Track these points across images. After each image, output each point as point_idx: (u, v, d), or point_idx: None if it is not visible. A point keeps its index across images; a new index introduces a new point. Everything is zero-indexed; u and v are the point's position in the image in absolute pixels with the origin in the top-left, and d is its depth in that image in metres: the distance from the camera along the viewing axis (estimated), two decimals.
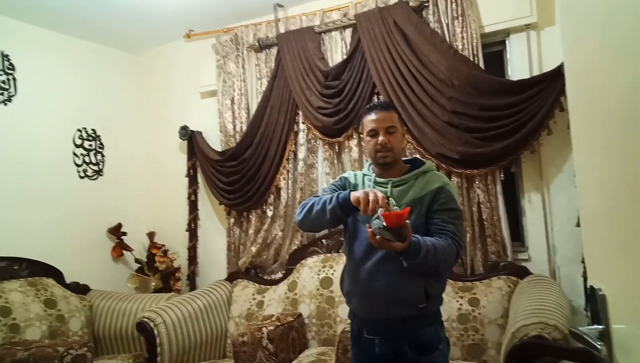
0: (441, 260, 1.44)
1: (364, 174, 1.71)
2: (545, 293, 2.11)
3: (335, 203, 1.49)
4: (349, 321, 1.79)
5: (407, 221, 1.32)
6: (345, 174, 1.77)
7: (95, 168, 3.52)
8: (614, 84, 0.67)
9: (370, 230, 1.36)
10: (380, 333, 1.58)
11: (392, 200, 1.41)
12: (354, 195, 1.41)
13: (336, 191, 1.62)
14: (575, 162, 0.80)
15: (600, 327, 0.74)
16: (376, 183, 1.63)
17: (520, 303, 2.12)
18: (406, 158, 1.74)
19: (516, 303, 2.20)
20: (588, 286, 0.77)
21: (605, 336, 0.73)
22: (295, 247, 3.11)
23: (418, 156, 2.67)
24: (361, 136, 1.79)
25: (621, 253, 0.70)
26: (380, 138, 1.58)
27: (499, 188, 2.54)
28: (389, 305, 1.53)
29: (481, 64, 2.56)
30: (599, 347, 0.70)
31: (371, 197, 1.34)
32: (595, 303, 0.75)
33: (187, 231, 3.52)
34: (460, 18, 2.58)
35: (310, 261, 2.97)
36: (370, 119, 1.62)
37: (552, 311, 1.88)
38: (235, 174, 3.21)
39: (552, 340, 1.68)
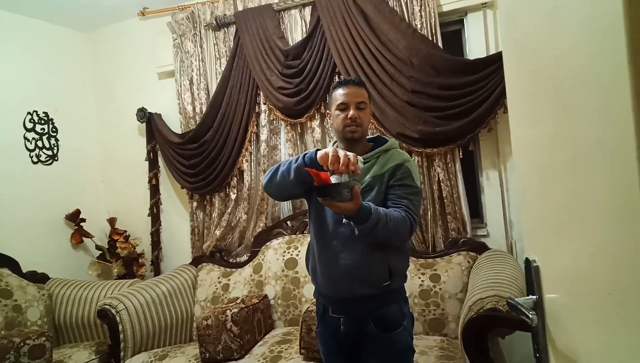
0: (393, 231, 1.40)
1: None
2: (502, 267, 2.18)
3: (301, 161, 1.43)
4: (314, 300, 1.79)
5: (356, 185, 1.29)
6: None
7: (49, 152, 3.38)
8: (543, 59, 0.68)
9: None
10: (344, 312, 1.59)
11: (360, 158, 1.36)
12: (321, 152, 1.34)
13: None
14: (512, 135, 0.81)
15: (534, 297, 0.76)
16: None
17: (477, 277, 2.18)
18: (369, 136, 1.72)
19: (474, 277, 2.27)
20: (524, 258, 0.80)
21: (538, 306, 0.75)
22: (260, 229, 3.10)
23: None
24: (327, 112, 1.73)
25: (553, 225, 0.72)
26: (351, 112, 1.56)
27: (458, 166, 2.59)
28: (353, 283, 1.53)
29: (439, 43, 2.57)
30: (530, 316, 0.72)
31: (341, 154, 1.28)
32: (530, 274, 0.77)
33: (149, 216, 3.45)
34: None
35: (275, 243, 2.97)
36: (341, 93, 1.60)
37: (507, 284, 1.94)
38: (196, 157, 3.15)
39: (506, 312, 1.73)
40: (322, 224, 1.59)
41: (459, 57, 2.62)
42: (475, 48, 2.62)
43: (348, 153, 1.30)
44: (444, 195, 2.60)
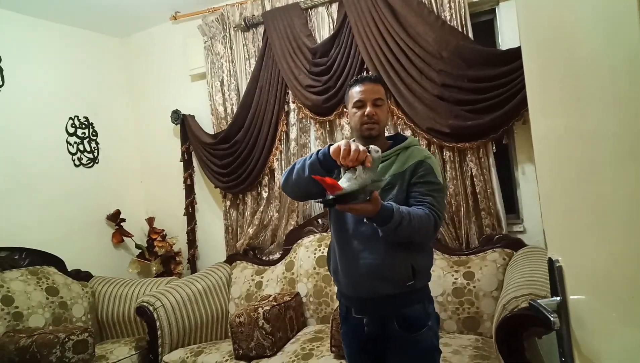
0: (417, 229, 1.38)
1: None
2: (538, 264, 2.10)
3: (315, 158, 1.41)
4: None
5: (368, 184, 1.25)
6: None
7: (90, 155, 3.53)
8: (559, 52, 0.65)
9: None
10: (367, 312, 1.56)
11: (374, 147, 1.31)
12: (334, 146, 1.32)
13: None
14: (533, 133, 0.77)
15: (558, 298, 0.73)
16: None
17: (513, 275, 2.11)
18: (388, 135, 1.70)
19: (509, 275, 2.20)
20: (547, 259, 0.76)
21: (562, 307, 0.71)
22: (292, 227, 3.12)
23: (408, 131, 2.64)
24: (345, 111, 1.71)
25: (578, 224, 0.68)
26: (368, 109, 1.54)
27: (491, 160, 2.51)
28: (375, 283, 1.50)
29: (470, 35, 2.49)
30: (552, 318, 0.69)
31: (352, 147, 1.26)
32: (553, 274, 0.74)
33: (184, 215, 3.54)
34: None
35: (306, 240, 2.98)
36: (357, 91, 1.57)
37: (543, 282, 1.86)
38: (228, 156, 3.20)
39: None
40: (342, 224, 1.57)
41: (490, 48, 2.53)
42: (508, 38, 2.53)
43: (359, 146, 1.27)
44: (477, 191, 2.53)
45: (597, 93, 0.57)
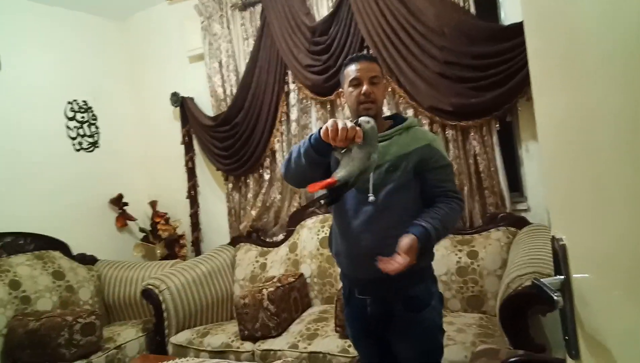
0: (451, 227, 1.51)
1: None
2: (542, 242, 2.09)
3: (308, 144, 1.35)
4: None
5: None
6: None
7: (91, 140, 3.51)
8: (562, 25, 0.62)
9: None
10: (371, 292, 1.54)
11: (365, 118, 1.25)
12: (323, 129, 1.26)
13: None
14: (536, 110, 0.75)
15: (562, 277, 0.71)
16: None
17: (517, 253, 2.11)
18: (386, 115, 1.67)
19: (513, 253, 2.19)
20: (550, 236, 0.75)
21: (565, 286, 0.70)
22: (294, 209, 3.11)
23: (410, 111, 2.60)
24: (340, 91, 1.66)
25: (582, 203, 0.67)
26: (365, 87, 1.49)
27: (495, 138, 2.48)
28: (372, 263, 1.45)
29: (472, 10, 2.44)
30: (555, 297, 0.68)
31: (340, 125, 1.20)
32: (557, 253, 0.72)
33: (187, 198, 3.54)
34: None
35: (309, 222, 2.98)
36: (353, 69, 1.53)
37: (547, 260, 1.86)
38: (229, 139, 3.18)
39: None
40: (342, 204, 1.54)
41: (493, 23, 2.48)
42: (511, 12, 2.47)
43: (347, 122, 1.22)
44: (480, 169, 2.51)
45: (599, 70, 0.55)
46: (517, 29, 2.27)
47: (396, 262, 1.32)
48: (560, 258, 0.72)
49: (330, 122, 1.23)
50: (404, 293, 1.51)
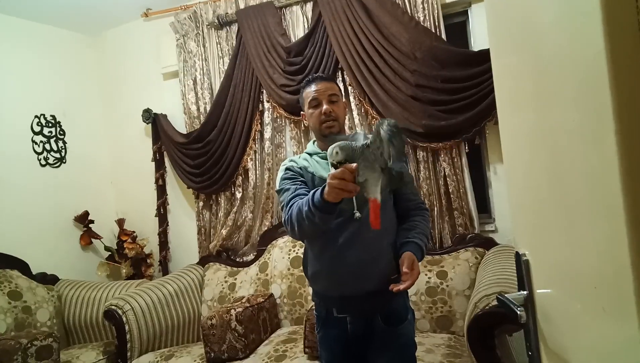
0: (429, 235, 1.62)
1: (312, 154, 1.60)
2: (509, 263, 2.12)
3: (316, 212, 1.30)
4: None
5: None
6: (288, 164, 1.59)
7: (57, 155, 3.41)
8: (523, 46, 0.65)
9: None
10: (350, 310, 1.53)
11: (331, 152, 1.23)
12: (329, 194, 1.23)
13: (297, 182, 1.51)
14: (500, 129, 0.77)
15: (525, 292, 0.72)
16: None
17: (484, 273, 2.13)
18: (349, 134, 1.68)
19: (481, 274, 2.22)
20: (514, 253, 0.76)
21: (529, 301, 0.71)
22: (266, 228, 3.08)
23: (362, 130, 2.64)
24: (302, 114, 1.65)
25: (543, 219, 0.68)
26: (325, 107, 1.51)
27: (464, 160, 2.54)
28: (361, 279, 1.48)
29: (443, 36, 2.52)
30: (518, 312, 0.68)
31: (346, 178, 1.19)
32: (520, 269, 0.73)
33: (156, 216, 3.46)
34: None
35: (280, 241, 2.95)
36: (311, 90, 1.55)
37: (513, 280, 1.87)
38: (201, 156, 3.15)
39: None
40: None
41: (463, 49, 2.56)
42: (480, 39, 2.56)
43: (344, 173, 1.19)
44: (450, 190, 2.55)
45: (560, 91, 0.58)
46: (486, 55, 2.35)
47: (408, 281, 1.36)
48: (523, 274, 0.73)
49: (329, 192, 1.22)
50: (385, 308, 1.52)
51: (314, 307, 1.70)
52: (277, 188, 1.57)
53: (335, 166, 1.22)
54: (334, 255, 1.50)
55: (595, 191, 0.51)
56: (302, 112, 1.65)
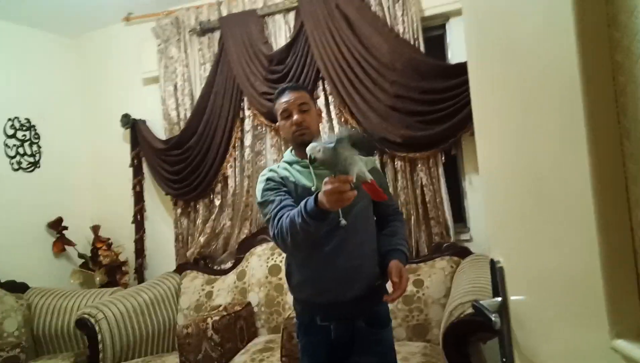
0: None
1: (291, 163, 1.59)
2: (484, 271, 2.16)
3: (314, 223, 1.28)
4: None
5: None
6: (269, 174, 1.56)
7: (31, 159, 3.33)
8: (500, 52, 0.67)
9: None
10: (335, 317, 1.53)
11: (311, 149, 1.27)
12: (329, 202, 1.21)
13: (281, 193, 1.49)
14: (477, 137, 0.80)
15: (499, 299, 0.74)
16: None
17: (459, 282, 2.17)
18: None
19: (456, 282, 2.25)
20: (489, 260, 0.78)
21: (503, 308, 0.73)
22: (244, 236, 3.06)
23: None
24: (276, 125, 1.69)
25: (517, 225, 0.70)
26: (295, 117, 1.52)
27: (440, 170, 2.58)
28: (348, 285, 1.49)
29: (422, 48, 2.57)
30: (493, 318, 0.70)
31: (332, 188, 1.19)
32: (495, 275, 0.76)
33: (133, 223, 3.40)
34: (400, 1, 2.58)
35: (259, 249, 2.94)
36: (281, 102, 1.56)
37: (488, 289, 1.91)
38: (181, 163, 3.12)
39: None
40: None
41: (441, 61, 2.62)
42: (457, 52, 2.63)
43: (341, 184, 1.19)
44: (427, 200, 2.59)
45: (535, 99, 0.60)
46: (463, 68, 2.39)
47: (399, 290, 1.41)
48: (497, 281, 0.75)
49: (327, 199, 1.20)
50: (369, 313, 1.55)
51: (294, 315, 1.69)
52: (259, 199, 1.53)
53: (312, 161, 1.27)
54: (321, 263, 1.49)
55: (568, 199, 0.53)
56: (277, 123, 1.65)
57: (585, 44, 0.48)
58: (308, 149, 1.27)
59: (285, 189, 1.52)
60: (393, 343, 1.61)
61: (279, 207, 1.43)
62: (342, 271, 1.48)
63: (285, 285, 2.69)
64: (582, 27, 0.48)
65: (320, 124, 1.70)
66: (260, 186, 1.55)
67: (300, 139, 1.53)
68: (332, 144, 1.25)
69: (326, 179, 1.23)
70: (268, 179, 1.54)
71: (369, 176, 1.33)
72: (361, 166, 1.28)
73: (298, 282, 1.58)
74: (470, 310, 1.75)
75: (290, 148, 1.66)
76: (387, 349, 1.58)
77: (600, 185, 0.46)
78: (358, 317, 1.53)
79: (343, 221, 1.43)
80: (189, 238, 3.23)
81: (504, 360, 0.76)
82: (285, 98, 1.56)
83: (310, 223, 1.28)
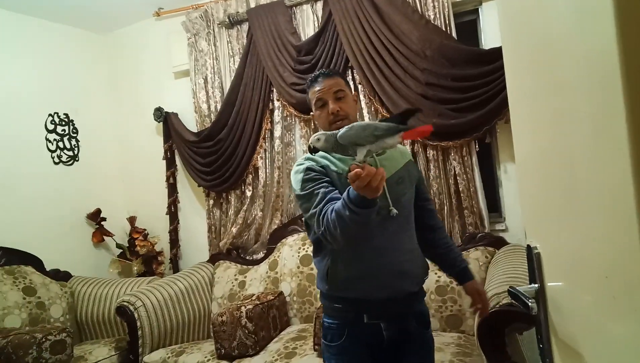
0: None
1: (329, 152, 1.41)
2: (519, 261, 2.11)
3: (363, 211, 1.16)
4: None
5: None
6: (308, 164, 1.41)
7: (70, 153, 3.46)
8: (538, 44, 0.65)
9: None
10: (384, 315, 1.41)
11: (314, 140, 1.25)
12: (366, 192, 1.11)
13: (324, 183, 1.35)
14: (512, 122, 0.78)
15: (536, 285, 0.73)
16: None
17: (494, 273, 2.12)
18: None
19: (491, 273, 2.21)
20: (526, 245, 0.76)
21: (540, 294, 0.71)
22: (276, 226, 3.10)
23: None
24: (311, 115, 1.56)
25: (554, 210, 0.68)
26: (331, 106, 1.43)
27: (474, 159, 2.53)
28: (402, 280, 1.40)
29: (454, 34, 2.51)
30: (530, 304, 0.69)
31: (362, 178, 1.08)
32: (532, 261, 0.74)
33: (167, 214, 3.49)
34: None
35: (290, 239, 2.96)
36: (315, 90, 1.46)
37: (524, 279, 1.88)
38: (212, 155, 3.17)
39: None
40: None
41: (473, 47, 2.55)
42: (490, 38, 2.55)
43: (356, 168, 1.09)
44: (460, 189, 2.55)
45: (573, 82, 0.58)
46: (497, 53, 2.35)
47: (487, 305, 1.53)
48: (534, 267, 0.73)
49: (356, 187, 1.11)
50: (417, 310, 1.48)
51: (324, 316, 1.50)
52: (300, 191, 1.38)
53: (312, 150, 1.28)
54: (376, 257, 1.38)
55: (606, 184, 0.51)
56: (311, 113, 1.55)
57: (624, 29, 0.46)
58: (310, 141, 1.24)
59: (327, 179, 1.37)
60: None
61: (325, 201, 1.29)
62: (398, 264, 1.38)
63: None
64: (622, 10, 0.46)
65: (356, 110, 1.61)
66: (298, 176, 1.40)
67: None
68: (338, 132, 1.20)
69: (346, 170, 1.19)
70: (308, 169, 1.39)
71: (376, 161, 1.32)
72: (371, 148, 1.18)
73: (347, 279, 1.40)
74: (506, 300, 1.71)
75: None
76: (432, 349, 1.52)
77: (639, 171, 0.44)
78: (409, 315, 1.44)
79: (394, 211, 1.35)
80: (222, 228, 3.29)
81: (540, 346, 0.74)
82: (319, 86, 1.46)
83: (359, 212, 1.16)
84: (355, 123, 1.23)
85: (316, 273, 1.51)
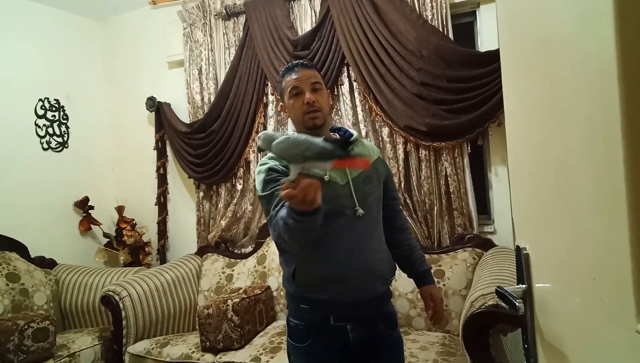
0: None
1: None
2: (507, 264, 2.13)
3: (305, 219, 1.12)
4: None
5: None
6: (271, 163, 1.35)
7: (60, 139, 3.41)
8: (534, 46, 0.65)
9: None
10: (351, 317, 1.38)
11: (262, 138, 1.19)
12: (299, 204, 1.06)
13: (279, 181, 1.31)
14: (506, 125, 0.78)
15: (524, 286, 0.73)
16: None
17: (481, 274, 2.14)
18: (333, 126, 1.53)
19: (478, 274, 2.22)
20: (515, 246, 0.76)
21: (527, 295, 0.72)
22: (265, 221, 3.08)
23: (385, 129, 2.64)
24: (281, 105, 1.48)
25: (545, 212, 0.69)
26: (307, 96, 1.36)
27: (466, 160, 2.54)
28: (372, 280, 1.38)
29: (450, 35, 2.52)
30: (517, 304, 0.69)
31: (296, 192, 1.03)
32: (520, 262, 0.74)
33: (156, 205, 3.46)
34: None
35: None
36: (291, 79, 1.39)
37: (510, 280, 1.89)
38: (204, 146, 3.15)
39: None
40: (328, 224, 1.30)
41: (469, 49, 2.56)
42: (487, 40, 2.56)
43: (291, 184, 1.05)
44: (450, 190, 2.56)
45: (569, 86, 0.58)
46: (493, 56, 2.36)
47: (440, 312, 1.54)
48: (523, 267, 0.73)
49: (295, 205, 1.07)
50: (384, 311, 1.45)
51: (289, 315, 1.46)
52: (261, 192, 1.33)
53: (259, 150, 1.25)
54: (345, 259, 1.34)
55: (597, 186, 0.52)
56: (281, 103, 1.48)
57: (623, 33, 0.46)
58: (260, 134, 1.20)
59: None
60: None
61: (282, 204, 1.22)
62: (368, 265, 1.36)
63: None
64: (621, 15, 0.46)
65: (330, 108, 1.57)
66: (260, 176, 1.34)
67: (311, 123, 1.37)
68: (277, 136, 1.16)
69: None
70: (270, 169, 1.33)
71: (319, 173, 1.24)
72: (320, 164, 1.11)
73: (317, 282, 1.35)
74: (492, 302, 1.72)
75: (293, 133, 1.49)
76: (401, 350, 1.50)
77: (633, 174, 0.45)
78: (376, 317, 1.42)
79: (360, 211, 1.33)
80: (211, 221, 3.27)
81: (525, 346, 0.74)
82: (296, 75, 1.39)
83: (302, 219, 1.12)
84: (294, 135, 1.19)
85: (282, 274, 1.47)
